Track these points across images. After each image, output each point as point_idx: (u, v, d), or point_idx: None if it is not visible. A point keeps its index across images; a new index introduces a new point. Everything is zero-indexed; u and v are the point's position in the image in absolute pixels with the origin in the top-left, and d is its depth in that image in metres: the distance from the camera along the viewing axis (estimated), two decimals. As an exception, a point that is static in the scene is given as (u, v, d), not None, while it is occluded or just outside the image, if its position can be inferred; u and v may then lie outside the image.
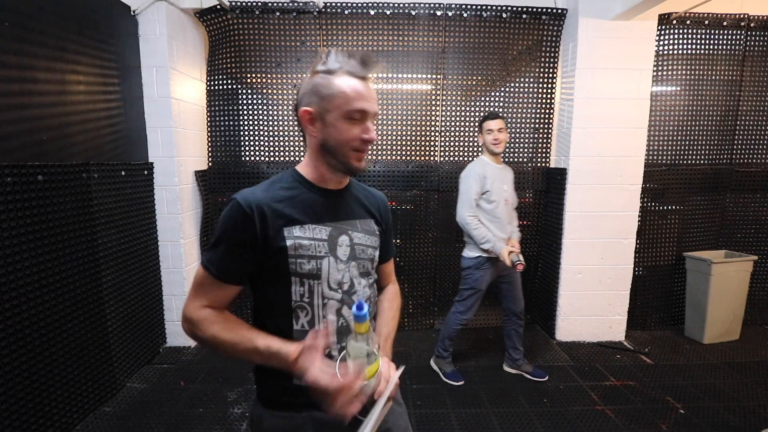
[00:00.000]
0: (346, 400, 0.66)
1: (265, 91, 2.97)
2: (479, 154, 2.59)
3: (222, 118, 2.95)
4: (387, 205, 1.03)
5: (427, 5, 2.77)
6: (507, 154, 3.07)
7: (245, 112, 2.95)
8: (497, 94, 3.00)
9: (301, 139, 3.26)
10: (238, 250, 0.78)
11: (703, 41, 2.84)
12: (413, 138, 2.99)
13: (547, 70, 2.92)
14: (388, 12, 2.78)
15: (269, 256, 0.79)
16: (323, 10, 2.74)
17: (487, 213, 2.27)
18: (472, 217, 2.23)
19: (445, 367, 2.47)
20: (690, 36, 2.82)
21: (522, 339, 2.48)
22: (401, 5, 2.76)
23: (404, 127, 2.97)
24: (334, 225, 0.85)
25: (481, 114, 2.98)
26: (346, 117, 0.79)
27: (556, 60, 2.91)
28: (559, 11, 2.80)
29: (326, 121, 0.81)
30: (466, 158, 3.02)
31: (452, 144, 3.00)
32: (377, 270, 1.02)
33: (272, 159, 2.98)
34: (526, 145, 3.04)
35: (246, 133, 2.97)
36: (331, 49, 0.82)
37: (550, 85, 2.94)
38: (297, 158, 2.98)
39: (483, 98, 3.01)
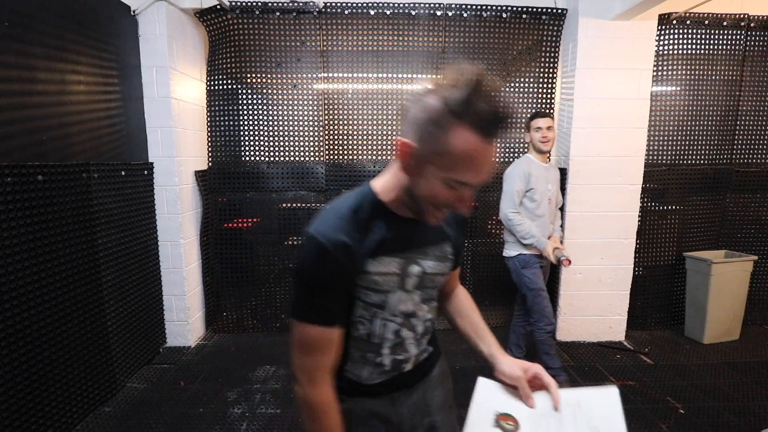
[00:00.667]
0: None
1: (265, 91, 2.97)
2: (525, 151, 2.52)
3: (222, 118, 2.95)
4: (462, 219, 0.92)
5: (427, 5, 2.77)
6: (506, 154, 3.07)
7: (245, 112, 2.95)
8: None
9: (301, 139, 3.23)
10: (333, 290, 0.73)
11: (703, 41, 2.84)
12: (413, 138, 2.98)
13: (547, 70, 2.92)
14: (388, 12, 2.78)
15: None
16: (323, 10, 2.74)
17: (529, 211, 2.24)
18: (514, 214, 2.21)
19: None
20: (690, 36, 2.82)
21: (525, 339, 2.47)
22: (401, 5, 2.76)
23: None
24: (405, 256, 0.78)
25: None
26: (444, 181, 0.66)
27: (556, 60, 2.91)
28: (559, 11, 2.80)
29: (422, 169, 0.67)
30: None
31: (452, 144, 2.99)
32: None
33: (272, 159, 2.98)
34: (526, 145, 3.04)
35: (246, 133, 2.97)
36: (473, 76, 0.59)
37: (550, 85, 2.94)
38: (297, 158, 2.98)
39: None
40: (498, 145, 0.65)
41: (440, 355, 0.97)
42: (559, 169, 2.44)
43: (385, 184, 0.78)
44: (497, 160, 2.94)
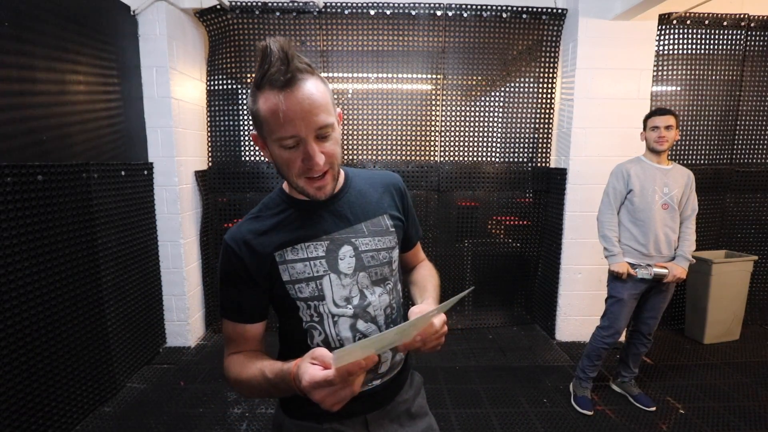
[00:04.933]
0: (329, 393, 0.57)
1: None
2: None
3: (222, 118, 2.95)
4: (401, 186, 0.90)
5: (427, 5, 2.77)
6: (507, 154, 3.08)
7: (245, 112, 2.95)
8: (497, 94, 3.00)
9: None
10: (239, 288, 0.76)
11: (703, 41, 2.84)
12: (413, 138, 2.99)
13: (547, 70, 2.92)
14: (388, 12, 2.78)
15: (270, 287, 0.77)
16: (323, 10, 2.74)
17: (630, 214, 2.06)
18: (609, 216, 2.08)
19: (578, 390, 2.22)
20: (690, 36, 2.82)
21: (639, 361, 2.22)
22: (401, 5, 2.76)
23: (404, 127, 2.97)
24: (331, 237, 0.77)
25: (482, 113, 2.98)
26: (279, 146, 0.67)
27: (556, 60, 2.91)
28: (559, 11, 2.80)
29: (267, 147, 0.71)
30: (466, 158, 3.02)
31: (452, 144, 3.00)
32: (403, 259, 0.97)
33: (272, 159, 2.97)
34: (526, 145, 3.04)
35: (246, 133, 2.97)
36: (265, 43, 0.62)
37: (550, 85, 2.94)
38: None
39: (483, 98, 3.01)
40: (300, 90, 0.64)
41: (410, 369, 0.93)
42: (692, 174, 2.08)
43: None
44: (452, 160, 2.95)
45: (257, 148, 0.72)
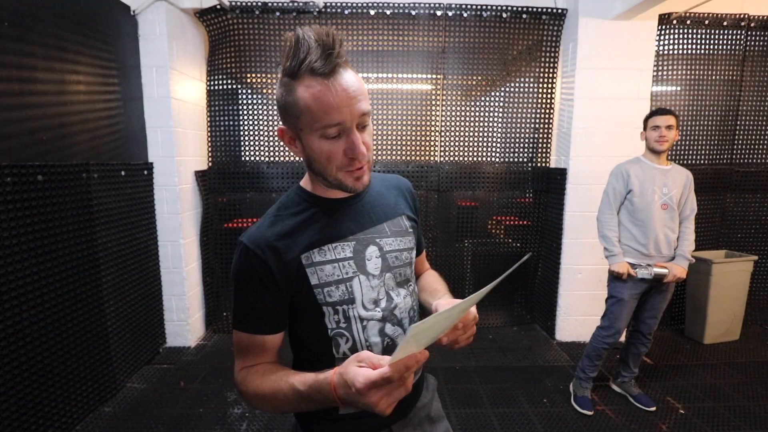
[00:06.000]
0: (385, 393, 0.53)
1: (265, 91, 2.97)
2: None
3: (222, 118, 2.95)
4: (412, 191, 0.90)
5: (427, 5, 2.77)
6: (506, 154, 3.07)
7: (245, 112, 2.95)
8: (497, 94, 3.00)
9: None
10: (261, 296, 0.70)
11: (703, 41, 2.84)
12: (413, 138, 2.99)
13: (547, 70, 2.92)
14: (388, 12, 2.78)
15: (295, 292, 0.71)
16: (323, 10, 2.74)
17: (630, 214, 2.06)
18: (608, 216, 2.08)
19: (578, 390, 2.22)
20: (690, 36, 2.82)
21: (639, 361, 2.22)
22: (401, 5, 2.76)
23: (404, 127, 2.97)
24: (357, 237, 0.74)
25: (482, 113, 2.98)
26: (321, 136, 0.65)
27: (556, 60, 2.90)
28: (559, 11, 2.79)
29: (302, 141, 0.67)
30: (466, 158, 3.02)
31: (452, 144, 3.00)
32: None
33: (272, 159, 2.98)
34: (526, 145, 3.04)
35: (246, 133, 2.97)
36: (298, 32, 0.61)
37: (550, 85, 2.94)
38: (297, 158, 2.98)
39: (483, 98, 3.01)
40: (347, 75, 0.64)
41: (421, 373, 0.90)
42: (690, 174, 2.08)
43: (306, 176, 0.78)
44: (452, 160, 2.96)
45: (282, 143, 0.70)
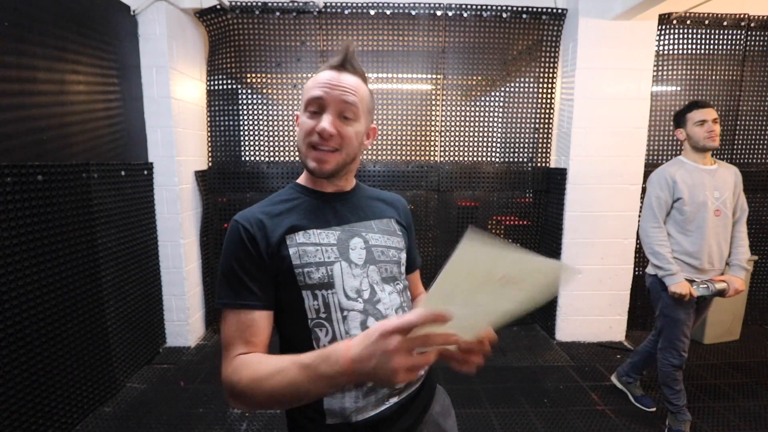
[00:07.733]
0: (404, 344, 0.50)
1: (265, 91, 2.97)
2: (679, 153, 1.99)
3: (222, 118, 2.95)
4: (407, 208, 0.93)
5: (427, 5, 2.77)
6: (506, 154, 3.07)
7: (245, 112, 2.95)
8: (497, 94, 3.00)
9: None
10: (249, 269, 0.70)
11: (703, 41, 2.84)
12: (413, 138, 2.99)
13: (547, 70, 2.92)
14: (388, 12, 2.78)
15: (277, 272, 0.71)
16: (323, 10, 2.74)
17: (678, 225, 1.85)
18: (656, 230, 1.84)
19: (674, 423, 1.93)
20: (690, 36, 2.82)
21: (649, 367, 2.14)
22: (401, 5, 2.76)
23: (404, 127, 2.97)
24: (343, 228, 0.77)
25: (482, 113, 2.98)
26: (306, 111, 0.74)
27: (556, 60, 2.91)
28: (559, 11, 2.80)
29: (299, 121, 0.77)
30: (465, 158, 3.02)
31: (452, 144, 3.00)
32: None
33: (272, 159, 2.98)
34: (526, 145, 3.04)
35: (246, 133, 2.97)
36: (346, 47, 0.75)
37: (550, 85, 2.94)
38: (297, 158, 2.98)
39: (483, 98, 3.01)
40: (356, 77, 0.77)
41: (435, 389, 0.86)
42: (738, 170, 1.91)
43: (303, 173, 0.85)
44: (452, 160, 2.96)
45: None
